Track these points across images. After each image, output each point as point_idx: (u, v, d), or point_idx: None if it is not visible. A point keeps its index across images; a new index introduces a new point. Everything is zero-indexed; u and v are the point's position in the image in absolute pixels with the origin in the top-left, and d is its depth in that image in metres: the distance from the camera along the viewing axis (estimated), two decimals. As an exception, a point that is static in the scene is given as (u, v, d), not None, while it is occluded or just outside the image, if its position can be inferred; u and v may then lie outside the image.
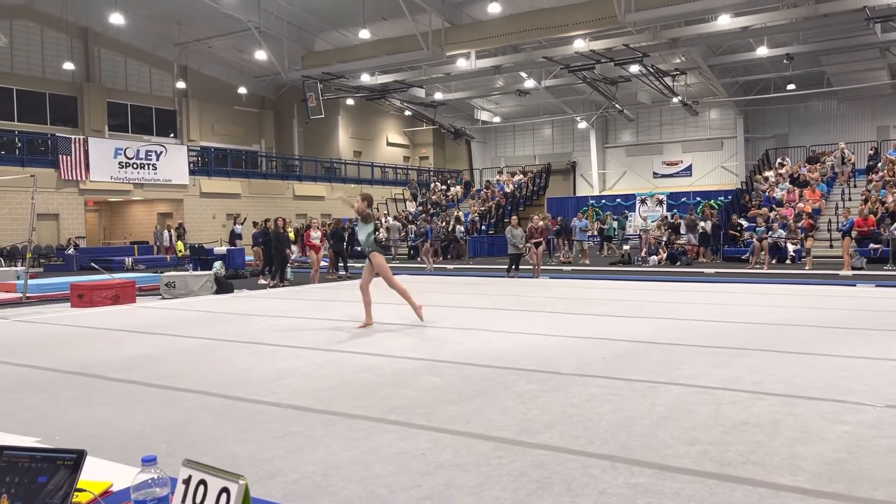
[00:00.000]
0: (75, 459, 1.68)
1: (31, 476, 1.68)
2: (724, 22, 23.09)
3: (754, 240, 18.53)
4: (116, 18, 24.71)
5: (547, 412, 4.49)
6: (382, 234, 24.73)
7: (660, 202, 32.15)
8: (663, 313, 9.39)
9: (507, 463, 3.53)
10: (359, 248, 25.72)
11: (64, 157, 24.99)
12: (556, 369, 5.79)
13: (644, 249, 21.07)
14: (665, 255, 20.12)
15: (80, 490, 1.76)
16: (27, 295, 12.92)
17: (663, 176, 37.91)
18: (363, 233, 8.65)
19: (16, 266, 18.39)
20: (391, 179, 37.97)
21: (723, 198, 29.14)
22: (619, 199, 33.80)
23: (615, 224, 24.75)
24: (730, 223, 21.29)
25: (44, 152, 25.70)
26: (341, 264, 18.34)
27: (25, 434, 3.86)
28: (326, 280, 16.94)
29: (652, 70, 27.72)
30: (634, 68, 27.20)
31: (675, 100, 31.80)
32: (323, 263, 17.74)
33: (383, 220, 28.75)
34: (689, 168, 37.34)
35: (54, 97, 29.23)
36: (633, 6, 21.57)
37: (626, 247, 21.31)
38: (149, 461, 1.60)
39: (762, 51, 27.13)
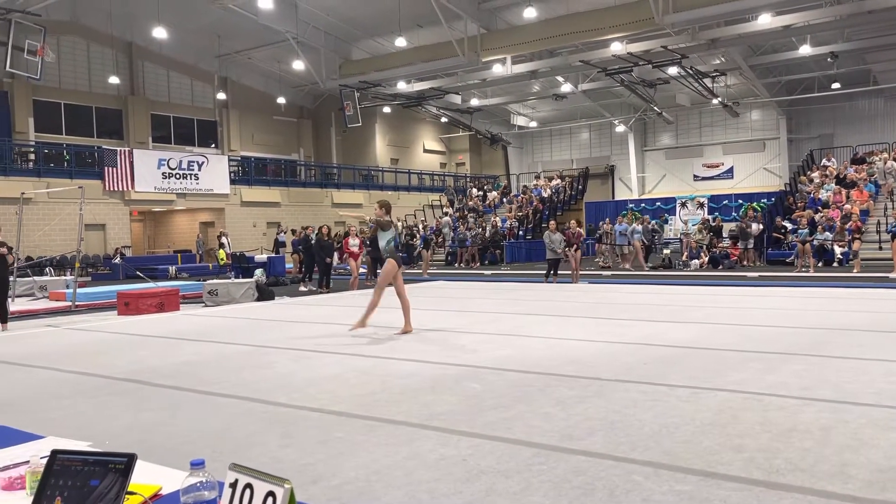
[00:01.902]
0: (126, 463, 1.71)
1: (83, 479, 1.72)
2: (765, 21, 22.65)
3: (798, 242, 18.12)
4: (159, 32, 25.29)
5: (588, 418, 4.45)
6: (417, 239, 24.82)
7: (700, 205, 31.65)
8: (706, 318, 9.23)
9: (548, 469, 3.51)
10: (408, 255, 26.09)
11: (110, 168, 25.62)
12: (597, 375, 5.74)
13: (685, 253, 20.75)
14: (707, 259, 19.79)
15: (131, 493, 1.80)
16: (76, 303, 13.28)
17: (704, 178, 37.31)
18: (382, 240, 8.76)
19: (65, 275, 18.90)
20: (428, 186, 38.09)
21: (766, 200, 28.56)
22: (658, 203, 33.34)
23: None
24: (774, 226, 20.87)
25: (90, 164, 26.39)
26: (379, 271, 18.43)
27: (76, 438, 3.96)
28: (365, 287, 17.05)
29: (691, 71, 27.33)
30: (673, 70, 26.86)
31: (715, 101, 31.29)
32: (361, 270, 17.88)
33: (416, 227, 28.89)
34: (731, 170, 36.68)
35: (100, 110, 30.00)
36: (670, 7, 21.30)
37: (666, 251, 20.94)
38: (197, 465, 1.63)
39: (805, 49, 26.56)
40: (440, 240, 27.31)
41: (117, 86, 29.76)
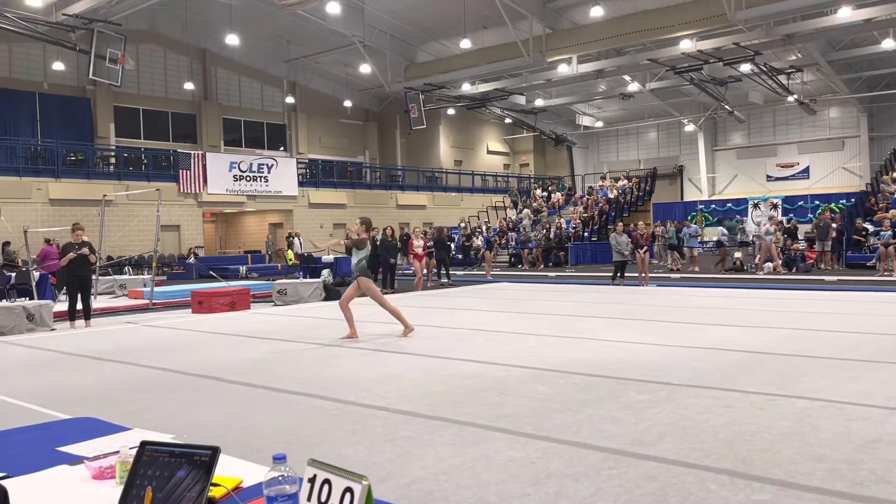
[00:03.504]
0: (210, 455, 1.77)
1: (170, 470, 1.79)
2: (845, 14, 21.73)
3: (880, 245, 17.32)
4: (232, 39, 26.05)
5: (658, 423, 4.36)
6: (478, 240, 24.81)
7: (774, 206, 30.60)
8: (780, 323, 8.92)
9: (619, 474, 3.46)
10: (459, 256, 26.19)
11: (184, 171, 26.54)
12: (667, 380, 5.62)
13: (758, 256, 20.08)
14: (781, 262, 19.11)
15: (215, 484, 1.86)
16: (153, 301, 13.80)
17: (778, 179, 36.09)
18: (355, 257, 8.66)
19: (143, 274, 19.66)
20: (491, 187, 38.04)
21: (844, 201, 27.42)
22: (729, 204, 32.38)
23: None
24: (853, 227, 20.00)
25: (166, 167, 27.39)
26: (444, 272, 18.56)
27: (158, 431, 4.12)
28: (428, 288, 17.16)
29: (764, 68, 26.46)
30: (745, 67, 26.07)
31: (790, 98, 30.22)
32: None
33: (479, 228, 28.89)
34: (807, 170, 35.37)
35: (176, 115, 31.13)
36: (743, 3, 20.66)
37: (737, 254, 20.29)
38: (279, 459, 1.67)
39: (888, 43, 25.35)
40: (504, 241, 27.26)
41: (192, 91, 30.82)
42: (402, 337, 8.50)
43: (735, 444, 3.90)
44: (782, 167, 36.08)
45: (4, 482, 1.82)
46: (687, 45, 24.54)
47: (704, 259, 21.43)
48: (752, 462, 3.58)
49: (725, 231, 19.79)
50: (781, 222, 22.82)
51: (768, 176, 36.37)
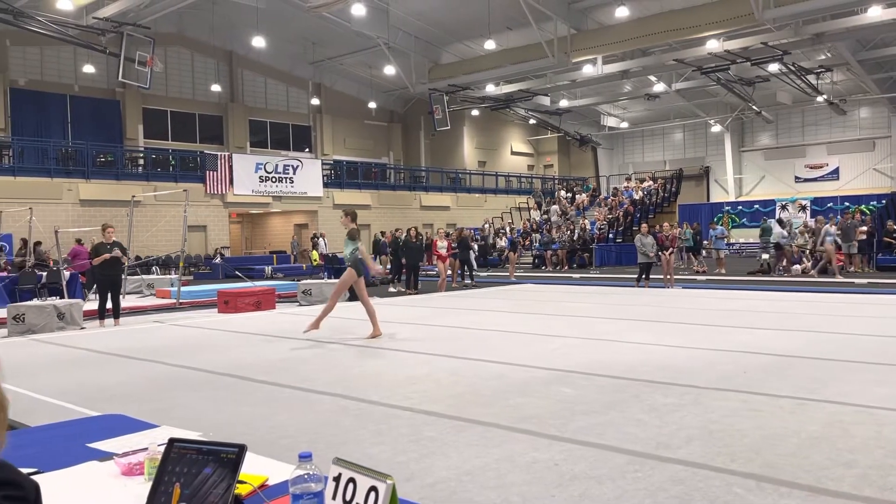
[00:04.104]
0: (237, 453, 1.79)
1: (198, 467, 1.81)
2: (875, 13, 21.36)
3: (913, 247, 17.00)
4: (258, 42, 26.29)
5: (684, 427, 4.32)
6: (503, 240, 24.77)
7: (802, 208, 30.16)
8: (809, 326, 8.79)
9: (643, 477, 3.43)
10: (481, 259, 26.16)
11: (210, 172, 26.83)
12: (693, 382, 5.57)
13: (786, 258, 19.80)
14: (809, 265, 18.82)
15: (241, 482, 1.88)
16: (180, 301, 13.96)
17: (806, 180, 35.55)
18: (347, 249, 8.71)
19: (170, 274, 19.90)
20: (515, 188, 37.96)
21: (875, 202, 26.94)
22: (756, 206, 31.99)
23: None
24: (884, 230, 19.65)
25: (193, 168, 27.70)
26: (468, 272, 18.55)
27: (182, 428, 4.17)
28: (452, 289, 17.16)
29: (793, 68, 26.10)
30: (773, 67, 25.74)
31: (819, 99, 29.76)
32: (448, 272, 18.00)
33: (502, 230, 28.83)
34: (836, 171, 34.80)
35: (203, 117, 31.48)
36: (771, 2, 20.39)
37: (765, 256, 20.03)
38: (305, 457, 1.68)
39: (920, 42, 24.91)
40: (527, 242, 27.19)
41: (218, 93, 31.13)
42: (306, 330, 8.62)
43: (763, 448, 3.85)
44: (811, 168, 35.55)
45: (36, 478, 1.85)
46: (714, 45, 24.28)
47: (745, 262, 21.21)
48: (779, 467, 3.53)
49: (786, 234, 19.37)
50: (809, 224, 22.45)
51: (797, 177, 35.86)
